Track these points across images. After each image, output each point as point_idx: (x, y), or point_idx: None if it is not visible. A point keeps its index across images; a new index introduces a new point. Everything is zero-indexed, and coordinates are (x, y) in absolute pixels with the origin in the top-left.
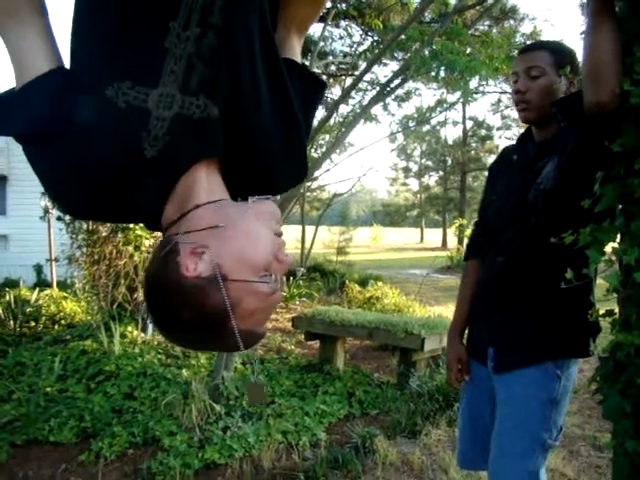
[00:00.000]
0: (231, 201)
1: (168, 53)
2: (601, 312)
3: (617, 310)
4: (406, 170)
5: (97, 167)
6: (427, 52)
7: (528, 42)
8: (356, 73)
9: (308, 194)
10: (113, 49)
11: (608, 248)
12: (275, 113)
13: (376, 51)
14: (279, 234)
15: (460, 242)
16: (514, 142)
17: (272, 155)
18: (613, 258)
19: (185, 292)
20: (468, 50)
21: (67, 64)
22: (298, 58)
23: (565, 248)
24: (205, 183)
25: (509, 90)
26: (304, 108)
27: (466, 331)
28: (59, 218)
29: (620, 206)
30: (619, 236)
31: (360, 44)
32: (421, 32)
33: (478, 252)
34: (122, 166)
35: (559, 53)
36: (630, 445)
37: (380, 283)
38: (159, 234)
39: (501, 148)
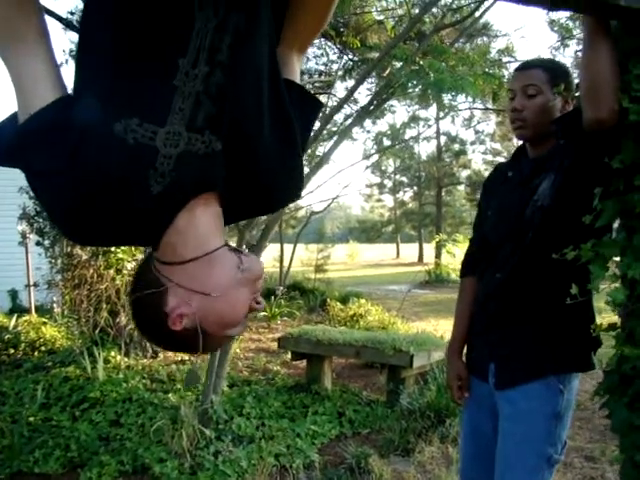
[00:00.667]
0: (223, 251)
1: (177, 91)
2: (604, 326)
3: (619, 323)
4: (380, 186)
5: (104, 201)
6: (410, 70)
7: (503, 58)
8: (333, 92)
9: (286, 212)
10: (120, 85)
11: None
12: (276, 137)
13: (358, 70)
14: (259, 290)
15: (438, 257)
16: (490, 159)
17: (272, 176)
18: (617, 272)
19: (168, 334)
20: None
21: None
22: (297, 78)
23: (563, 263)
24: (202, 225)
25: (481, 106)
26: (302, 127)
27: (465, 348)
28: (38, 243)
29: (618, 221)
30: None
31: (335, 62)
32: (404, 51)
33: (474, 269)
34: (128, 201)
35: (554, 71)
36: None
37: (363, 300)
38: (141, 257)
39: (474, 162)
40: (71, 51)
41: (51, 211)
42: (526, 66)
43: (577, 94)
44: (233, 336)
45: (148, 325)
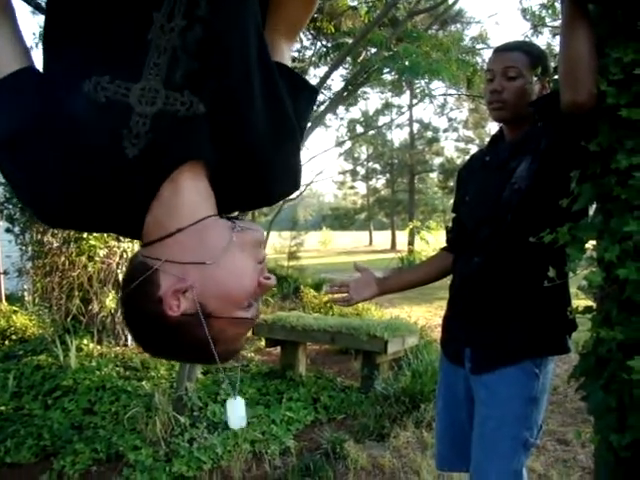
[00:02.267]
0: (214, 219)
1: (151, 45)
2: (580, 309)
3: (595, 306)
4: (353, 173)
5: (76, 168)
6: (385, 56)
7: (476, 45)
8: (307, 78)
9: None
10: (90, 42)
11: (587, 246)
12: (269, 115)
13: (332, 56)
14: (262, 260)
15: (411, 244)
16: (463, 145)
17: (267, 161)
18: (593, 255)
19: (167, 326)
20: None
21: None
22: (288, 63)
23: (541, 247)
24: (188, 194)
25: (454, 92)
26: (297, 114)
27: (439, 330)
28: (8, 230)
29: (595, 204)
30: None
31: (308, 49)
32: (378, 36)
33: (452, 248)
34: (102, 166)
35: (534, 55)
36: (615, 439)
37: None
38: (114, 243)
39: (447, 149)
40: (40, 35)
41: (18, 187)
42: (506, 48)
43: (555, 77)
44: (246, 323)
45: (145, 324)
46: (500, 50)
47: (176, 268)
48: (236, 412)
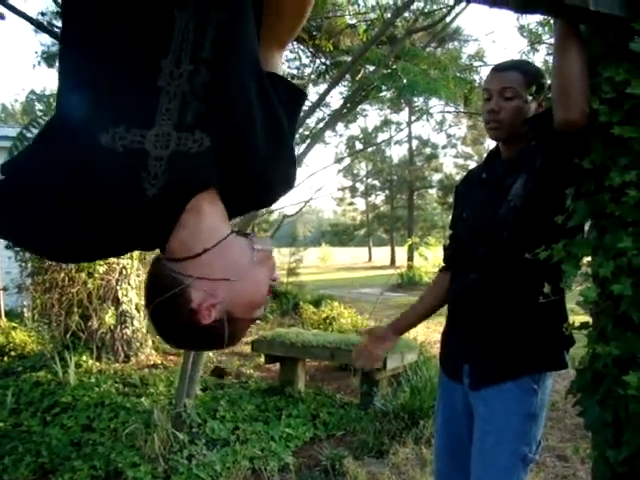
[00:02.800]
0: (233, 237)
1: (162, 92)
2: (576, 325)
3: (591, 322)
4: (352, 190)
5: (100, 213)
6: (383, 74)
7: (474, 62)
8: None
9: (258, 216)
10: (103, 93)
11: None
12: (269, 136)
13: (331, 73)
14: (274, 268)
15: (411, 260)
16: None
17: (267, 177)
18: (589, 271)
19: (196, 330)
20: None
21: None
22: (280, 71)
23: (537, 263)
24: (209, 217)
25: (452, 109)
26: (288, 119)
27: (438, 346)
28: (7, 246)
29: (590, 221)
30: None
31: (307, 66)
32: (377, 54)
33: (450, 265)
34: (126, 208)
35: (530, 74)
36: (611, 454)
37: (335, 303)
38: (113, 260)
39: (446, 166)
40: (43, 53)
41: (43, 244)
42: (504, 67)
43: (549, 96)
44: (256, 320)
45: (175, 328)
46: (497, 70)
47: (206, 284)
48: None
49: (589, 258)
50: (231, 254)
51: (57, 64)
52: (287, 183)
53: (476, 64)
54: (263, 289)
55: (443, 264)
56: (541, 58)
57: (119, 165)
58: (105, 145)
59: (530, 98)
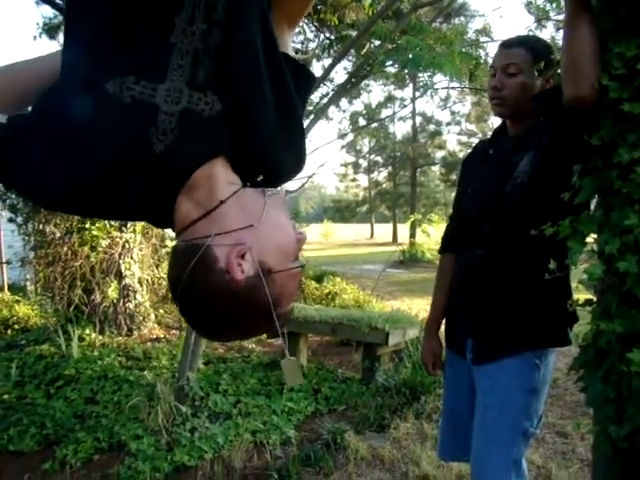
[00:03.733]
0: (247, 189)
1: (174, 48)
2: (580, 302)
3: (595, 299)
4: (355, 166)
5: (100, 163)
6: (389, 48)
7: (480, 38)
8: (311, 69)
9: None
10: (113, 45)
11: (588, 239)
12: (277, 107)
13: (336, 48)
14: (292, 217)
15: (413, 236)
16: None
17: (277, 151)
18: (595, 248)
19: (235, 294)
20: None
21: None
22: (290, 51)
23: (543, 240)
24: (223, 176)
25: (457, 85)
26: (299, 99)
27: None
28: (10, 220)
29: (597, 198)
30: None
31: (312, 41)
32: (382, 29)
33: (454, 246)
34: (129, 160)
35: (537, 50)
36: (613, 430)
37: (338, 279)
38: (116, 234)
39: (449, 143)
40: (45, 25)
41: (49, 195)
42: (509, 44)
43: (558, 71)
44: (299, 273)
45: (214, 304)
46: (504, 45)
47: (228, 238)
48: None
49: (595, 235)
50: (246, 202)
51: (60, 36)
52: (297, 164)
53: (482, 40)
54: (288, 230)
55: (442, 246)
56: (548, 35)
57: (126, 116)
58: (112, 93)
59: (537, 74)
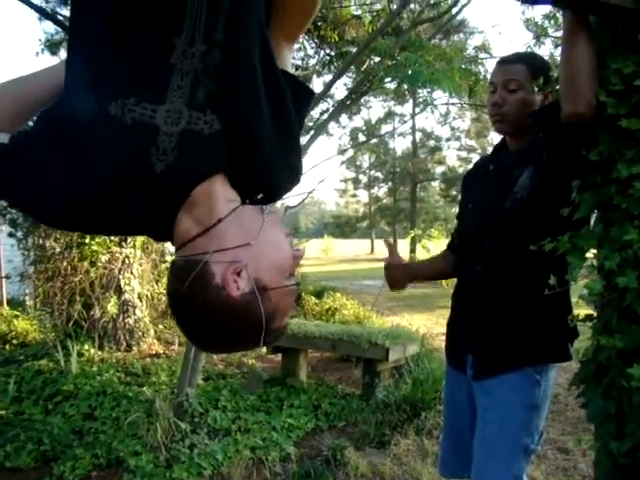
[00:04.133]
0: (246, 206)
1: (174, 69)
2: (581, 317)
3: (595, 314)
4: (355, 181)
5: (101, 182)
6: (388, 65)
7: (479, 54)
8: (310, 86)
9: None
10: (115, 66)
11: (588, 254)
12: (276, 124)
13: (336, 64)
14: (288, 234)
15: (413, 252)
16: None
17: (274, 168)
18: (594, 263)
19: (231, 309)
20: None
21: None
22: (289, 68)
23: (543, 255)
24: (222, 194)
25: (457, 101)
26: (298, 116)
27: (444, 338)
28: (10, 234)
29: (596, 213)
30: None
31: (312, 57)
32: (382, 45)
33: (456, 251)
34: (129, 179)
35: (535, 67)
36: (614, 446)
37: (338, 294)
38: (116, 249)
39: (449, 158)
40: (47, 41)
41: (50, 213)
42: (508, 60)
43: (557, 88)
44: (294, 291)
45: (210, 319)
46: (502, 62)
47: (225, 255)
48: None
49: (594, 250)
50: (244, 221)
51: (61, 52)
52: (294, 178)
53: (481, 56)
54: (284, 248)
55: (449, 246)
56: (547, 51)
57: (127, 137)
58: (114, 115)
59: (536, 90)
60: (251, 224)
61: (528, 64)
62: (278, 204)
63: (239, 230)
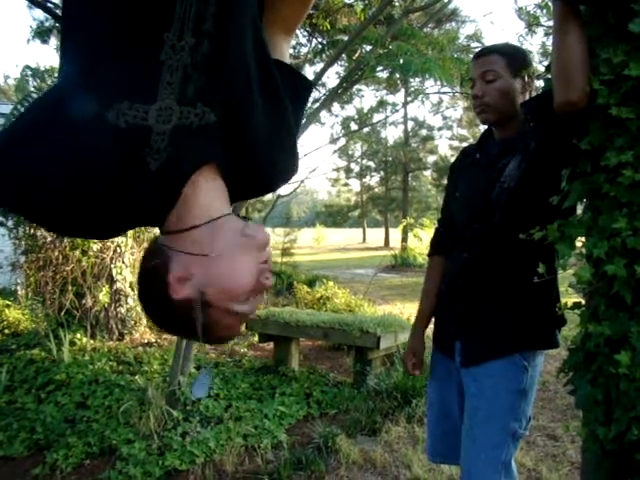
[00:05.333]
0: (227, 219)
1: (164, 66)
2: (569, 305)
3: (584, 302)
4: (347, 170)
5: (101, 187)
6: (380, 53)
7: (471, 44)
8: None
9: None
10: (106, 68)
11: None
12: (270, 115)
13: (328, 53)
14: (265, 261)
15: (405, 241)
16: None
17: (269, 157)
18: (583, 251)
19: (169, 308)
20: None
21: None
22: (286, 59)
23: (529, 243)
24: (205, 194)
25: (449, 90)
26: (294, 108)
27: (432, 325)
28: (1, 224)
29: (585, 201)
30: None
31: (304, 46)
32: (374, 34)
33: (442, 249)
34: (127, 182)
35: (510, 55)
36: (601, 432)
37: (330, 283)
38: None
39: (441, 148)
40: (37, 27)
41: (48, 218)
42: (482, 53)
43: (548, 76)
44: (240, 316)
45: (152, 300)
46: (477, 56)
47: (184, 258)
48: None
49: (583, 238)
50: (218, 235)
51: (51, 40)
52: (289, 169)
53: (473, 45)
54: (244, 277)
55: (431, 249)
56: (539, 40)
57: (122, 141)
58: (110, 121)
59: (516, 79)
60: (222, 239)
61: (502, 53)
62: (270, 194)
63: (208, 241)
